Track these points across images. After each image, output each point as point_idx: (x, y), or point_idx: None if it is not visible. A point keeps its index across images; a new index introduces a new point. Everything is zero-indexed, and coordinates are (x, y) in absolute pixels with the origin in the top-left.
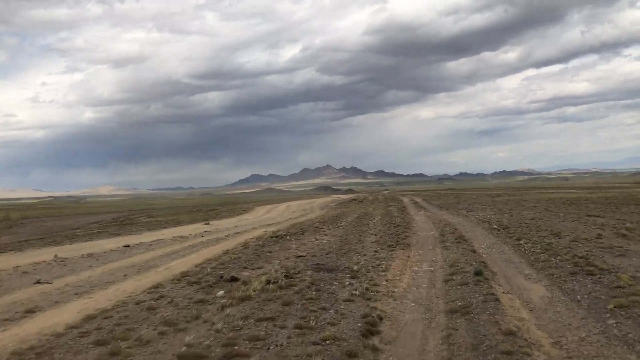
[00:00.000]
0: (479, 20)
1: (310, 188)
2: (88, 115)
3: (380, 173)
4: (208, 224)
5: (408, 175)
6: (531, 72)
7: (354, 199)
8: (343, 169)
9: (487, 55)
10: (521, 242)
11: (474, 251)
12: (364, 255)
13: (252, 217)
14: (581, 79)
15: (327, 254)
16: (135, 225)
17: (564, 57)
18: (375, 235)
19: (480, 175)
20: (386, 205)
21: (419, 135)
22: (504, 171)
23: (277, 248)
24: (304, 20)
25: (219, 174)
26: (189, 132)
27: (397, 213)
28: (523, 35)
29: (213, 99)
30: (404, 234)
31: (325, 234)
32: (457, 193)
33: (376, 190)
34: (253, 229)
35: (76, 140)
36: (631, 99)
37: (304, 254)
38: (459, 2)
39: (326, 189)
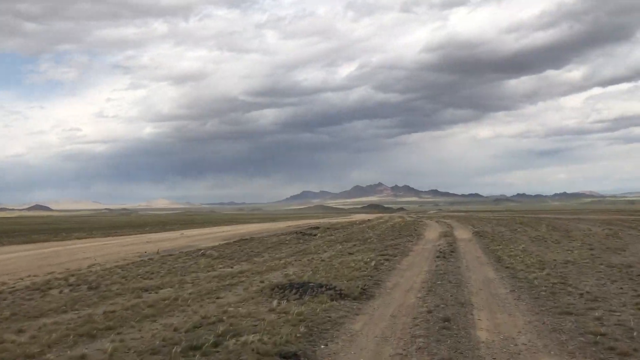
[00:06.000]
0: (542, 37)
1: (360, 206)
2: (148, 130)
3: (435, 192)
4: None
5: (463, 195)
6: (596, 90)
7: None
8: (395, 187)
9: (550, 73)
10: None
11: None
12: None
13: None
14: None
15: None
16: None
17: (632, 76)
18: None
19: (539, 197)
20: (352, 247)
21: (476, 154)
22: (565, 193)
23: None
24: (362, 39)
25: (272, 190)
26: (244, 149)
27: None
28: (589, 53)
29: (268, 115)
30: None
31: None
32: (522, 217)
33: (422, 210)
34: None
35: (136, 154)
36: None
37: None
38: (522, 19)
39: (377, 207)
